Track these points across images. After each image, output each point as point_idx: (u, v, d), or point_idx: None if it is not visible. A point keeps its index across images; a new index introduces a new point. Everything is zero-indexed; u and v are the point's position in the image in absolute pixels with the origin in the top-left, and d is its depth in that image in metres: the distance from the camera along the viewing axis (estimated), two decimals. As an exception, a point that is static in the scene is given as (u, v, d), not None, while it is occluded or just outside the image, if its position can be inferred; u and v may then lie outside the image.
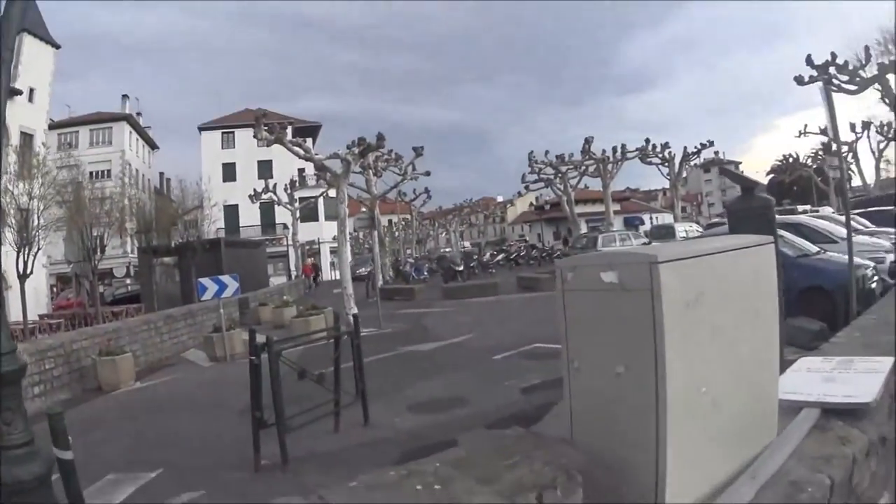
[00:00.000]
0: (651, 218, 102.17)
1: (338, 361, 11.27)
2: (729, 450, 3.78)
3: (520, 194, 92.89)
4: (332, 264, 76.19)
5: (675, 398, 3.20)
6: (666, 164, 55.27)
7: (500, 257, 61.36)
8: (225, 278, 22.66)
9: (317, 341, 12.63)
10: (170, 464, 10.24)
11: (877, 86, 31.68)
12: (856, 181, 63.26)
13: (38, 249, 33.10)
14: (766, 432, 4.21)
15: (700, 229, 43.33)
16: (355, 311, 22.51)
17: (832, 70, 30.98)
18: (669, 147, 55.18)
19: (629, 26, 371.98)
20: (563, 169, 51.95)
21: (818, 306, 14.00)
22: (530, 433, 3.95)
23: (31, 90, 48.76)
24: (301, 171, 71.13)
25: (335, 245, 39.44)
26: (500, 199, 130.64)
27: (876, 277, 16.44)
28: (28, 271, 31.63)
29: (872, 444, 4.58)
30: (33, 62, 45.80)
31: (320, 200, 70.39)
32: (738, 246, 4.02)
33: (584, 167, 52.46)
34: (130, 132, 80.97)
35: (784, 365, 5.86)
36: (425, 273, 53.26)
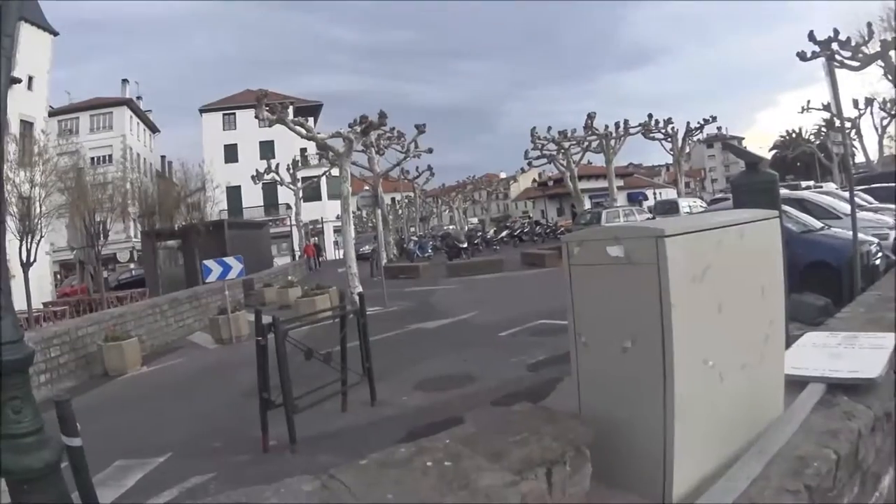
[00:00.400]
0: (654, 193, 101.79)
1: (344, 341, 11.27)
2: (737, 424, 3.82)
3: (523, 171, 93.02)
4: (336, 243, 76.07)
5: (682, 372, 3.23)
6: (669, 139, 55.19)
7: (504, 234, 62.08)
8: (229, 260, 22.61)
9: (322, 321, 12.65)
10: (178, 448, 10.29)
11: (879, 62, 31.60)
12: (859, 157, 63.27)
13: (41, 237, 32.98)
14: (773, 406, 4.26)
15: (704, 205, 43.24)
16: (360, 289, 22.51)
17: (835, 46, 30.83)
18: (672, 122, 55.17)
19: (631, 2, 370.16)
20: (566, 145, 51.83)
21: (822, 282, 14.03)
22: (538, 408, 3.97)
23: (30, 78, 48.71)
24: (303, 150, 71.11)
25: (339, 224, 39.43)
26: (503, 175, 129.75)
27: (880, 254, 16.45)
28: (31, 259, 31.61)
29: (878, 419, 4.64)
30: (31, 50, 45.75)
31: (323, 179, 70.19)
32: (743, 220, 4.04)
33: (586, 143, 52.35)
34: (131, 116, 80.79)
35: (789, 340, 5.91)
36: (429, 251, 53.49)
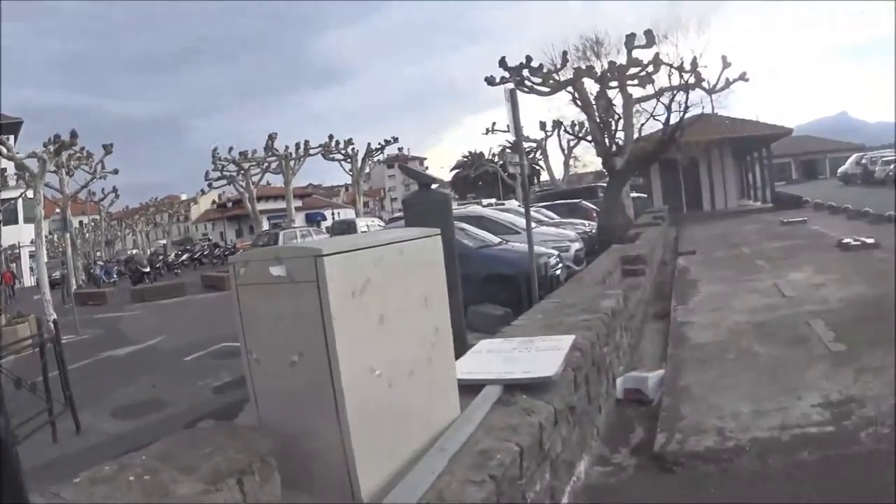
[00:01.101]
0: (333, 213, 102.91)
1: (45, 370, 11.27)
2: (413, 427, 4.18)
3: (203, 192, 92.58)
4: (31, 269, 73.00)
5: (349, 382, 3.57)
6: (349, 160, 56.70)
7: (184, 257, 63.76)
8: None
9: (26, 350, 12.52)
10: None
11: (569, 89, 32.90)
12: (545, 177, 67.13)
13: None
14: (450, 409, 4.62)
15: (382, 224, 44.48)
16: (55, 317, 22.16)
17: (525, 72, 32.02)
18: (353, 143, 57.87)
19: (327, 21, 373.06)
20: (246, 165, 52.67)
21: (503, 293, 14.82)
22: (220, 424, 4.17)
23: None
24: (2, 171, 68.11)
25: (34, 249, 38.37)
26: (184, 197, 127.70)
27: (560, 265, 17.55)
28: None
29: (560, 412, 5.15)
30: None
31: (20, 202, 67.39)
32: (404, 238, 4.42)
33: (266, 164, 53.42)
34: None
35: (466, 348, 6.37)
36: (114, 276, 54.12)
